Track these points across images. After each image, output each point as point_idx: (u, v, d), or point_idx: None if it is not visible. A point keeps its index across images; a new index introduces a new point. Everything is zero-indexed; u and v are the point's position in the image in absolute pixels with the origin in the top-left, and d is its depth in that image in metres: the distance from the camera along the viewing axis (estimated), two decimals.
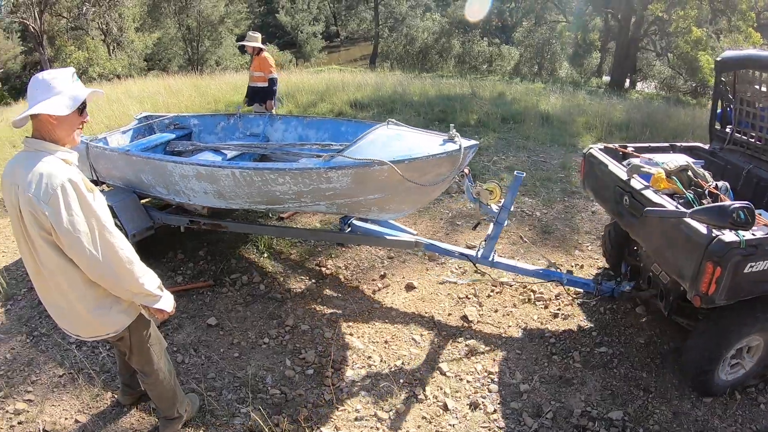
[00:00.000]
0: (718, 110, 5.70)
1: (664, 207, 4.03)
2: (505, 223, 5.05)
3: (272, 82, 9.79)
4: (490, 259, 5.15)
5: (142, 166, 5.92)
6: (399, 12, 52.24)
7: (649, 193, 4.28)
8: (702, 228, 3.69)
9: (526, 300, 5.54)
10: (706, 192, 4.46)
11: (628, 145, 5.51)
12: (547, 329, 5.08)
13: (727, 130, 5.56)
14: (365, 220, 5.95)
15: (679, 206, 4.02)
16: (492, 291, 5.70)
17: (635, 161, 4.86)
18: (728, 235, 3.56)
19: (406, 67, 37.65)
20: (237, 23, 48.56)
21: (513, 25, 44.86)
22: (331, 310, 5.43)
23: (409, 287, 5.79)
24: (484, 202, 4.99)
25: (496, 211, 4.99)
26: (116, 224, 5.65)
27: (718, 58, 5.42)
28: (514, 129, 11.35)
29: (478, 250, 5.22)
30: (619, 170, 4.74)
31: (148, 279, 3.08)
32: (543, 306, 5.45)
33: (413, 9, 53.17)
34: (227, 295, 5.71)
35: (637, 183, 4.49)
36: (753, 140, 5.23)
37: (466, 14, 35.58)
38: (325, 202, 4.94)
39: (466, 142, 4.56)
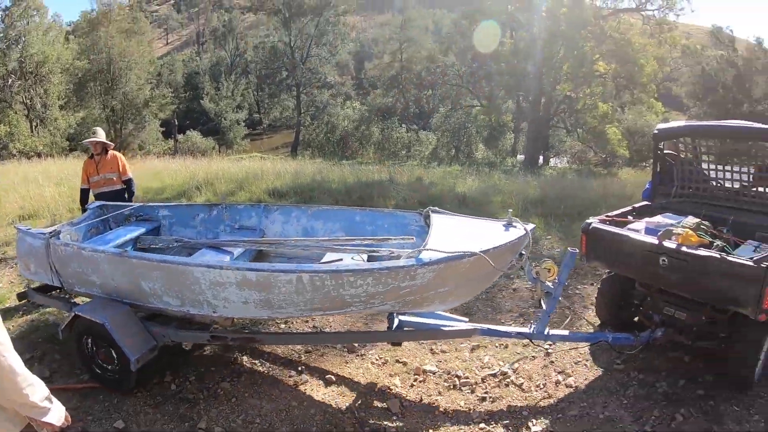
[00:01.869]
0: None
1: (718, 257, 4.99)
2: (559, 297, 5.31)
3: (131, 183, 8.53)
4: (545, 333, 5.33)
5: (146, 270, 4.98)
6: (320, 101, 53.82)
7: (695, 252, 5.13)
8: (749, 266, 4.72)
9: (451, 387, 5.39)
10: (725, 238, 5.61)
11: (609, 215, 6.32)
12: (475, 412, 4.97)
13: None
14: (402, 313, 5.49)
15: (722, 254, 5.04)
16: (415, 380, 5.52)
17: (663, 228, 5.64)
18: None
19: (327, 154, 38.57)
20: (162, 107, 48.49)
21: (430, 111, 46.73)
22: (246, 411, 5.09)
23: (329, 382, 5.52)
24: (542, 280, 5.17)
25: (553, 287, 5.19)
26: (109, 350, 5.11)
27: (655, 131, 6.92)
28: None
29: (532, 327, 5.37)
30: (646, 238, 5.54)
31: (34, 390, 2.74)
32: (469, 391, 5.32)
33: (334, 98, 54.93)
34: (136, 396, 5.23)
35: (672, 244, 5.28)
36: (699, 191, 6.61)
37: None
38: (393, 302, 4.70)
39: (528, 225, 5.18)
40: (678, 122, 8.34)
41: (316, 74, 55.42)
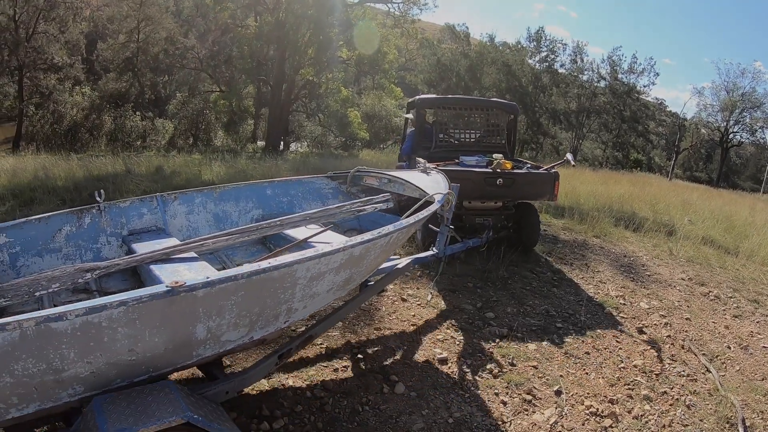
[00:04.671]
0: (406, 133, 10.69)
1: (540, 171, 8.83)
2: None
3: None
4: (444, 250, 6.49)
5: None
6: (46, 85, 48.79)
7: (516, 171, 8.49)
8: (547, 173, 8.67)
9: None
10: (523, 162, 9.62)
11: (439, 165, 7.96)
12: None
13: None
14: None
15: (537, 168, 9.08)
16: None
17: (483, 162, 8.79)
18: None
19: (54, 148, 34.92)
20: None
21: (166, 97, 44.09)
22: None
23: None
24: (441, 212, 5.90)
25: (447, 215, 6.11)
26: None
27: (418, 100, 9.98)
28: None
29: (435, 249, 6.46)
30: (482, 169, 8.34)
31: None
32: None
33: (62, 82, 49.98)
34: None
35: (501, 170, 8.26)
36: (450, 143, 10.00)
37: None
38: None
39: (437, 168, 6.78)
40: (432, 95, 11.81)
41: (43, 54, 50.06)
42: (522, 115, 49.87)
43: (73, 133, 40.83)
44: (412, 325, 6.19)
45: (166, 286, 2.89)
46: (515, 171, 8.42)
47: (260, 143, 38.75)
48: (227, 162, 16.73)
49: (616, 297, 7.86)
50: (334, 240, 4.53)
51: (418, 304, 6.78)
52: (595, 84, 56.72)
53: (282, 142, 35.88)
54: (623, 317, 7.14)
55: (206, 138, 40.99)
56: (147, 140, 39.39)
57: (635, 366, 5.79)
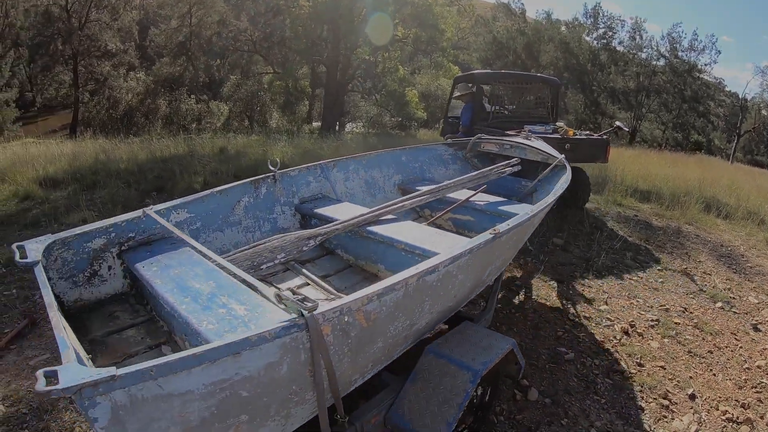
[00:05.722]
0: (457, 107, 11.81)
1: (594, 137, 10.03)
2: None
3: None
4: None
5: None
6: (100, 72, 48.97)
7: (578, 137, 9.62)
8: (601, 139, 9.97)
9: None
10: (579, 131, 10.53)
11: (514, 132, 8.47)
12: None
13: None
14: None
15: (591, 135, 10.19)
16: None
17: (559, 131, 9.62)
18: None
19: (111, 132, 34.98)
20: None
21: (220, 80, 44.00)
22: None
23: None
24: None
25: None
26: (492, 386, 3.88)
27: (475, 75, 11.04)
28: None
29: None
30: (552, 135, 9.04)
31: None
32: None
33: (116, 68, 50.18)
34: None
35: (566, 135, 9.33)
36: (504, 115, 10.87)
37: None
38: None
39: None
40: (487, 70, 13.67)
41: (96, 41, 50.17)
42: (580, 94, 48.65)
43: (128, 118, 41.03)
44: (527, 320, 5.84)
45: (490, 233, 3.35)
46: (578, 137, 9.69)
47: (315, 124, 38.51)
48: (288, 143, 16.27)
49: (725, 290, 7.63)
50: (489, 199, 5.57)
51: (529, 296, 6.42)
52: (654, 62, 54.56)
53: (338, 123, 35.37)
54: (736, 312, 6.95)
55: (261, 119, 40.84)
56: (203, 123, 39.60)
57: (758, 367, 5.63)
